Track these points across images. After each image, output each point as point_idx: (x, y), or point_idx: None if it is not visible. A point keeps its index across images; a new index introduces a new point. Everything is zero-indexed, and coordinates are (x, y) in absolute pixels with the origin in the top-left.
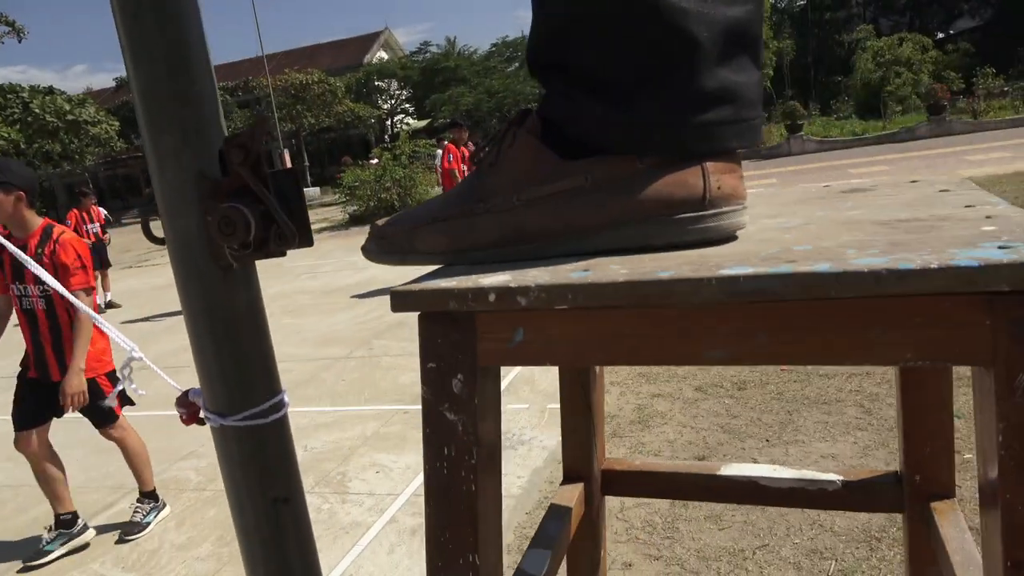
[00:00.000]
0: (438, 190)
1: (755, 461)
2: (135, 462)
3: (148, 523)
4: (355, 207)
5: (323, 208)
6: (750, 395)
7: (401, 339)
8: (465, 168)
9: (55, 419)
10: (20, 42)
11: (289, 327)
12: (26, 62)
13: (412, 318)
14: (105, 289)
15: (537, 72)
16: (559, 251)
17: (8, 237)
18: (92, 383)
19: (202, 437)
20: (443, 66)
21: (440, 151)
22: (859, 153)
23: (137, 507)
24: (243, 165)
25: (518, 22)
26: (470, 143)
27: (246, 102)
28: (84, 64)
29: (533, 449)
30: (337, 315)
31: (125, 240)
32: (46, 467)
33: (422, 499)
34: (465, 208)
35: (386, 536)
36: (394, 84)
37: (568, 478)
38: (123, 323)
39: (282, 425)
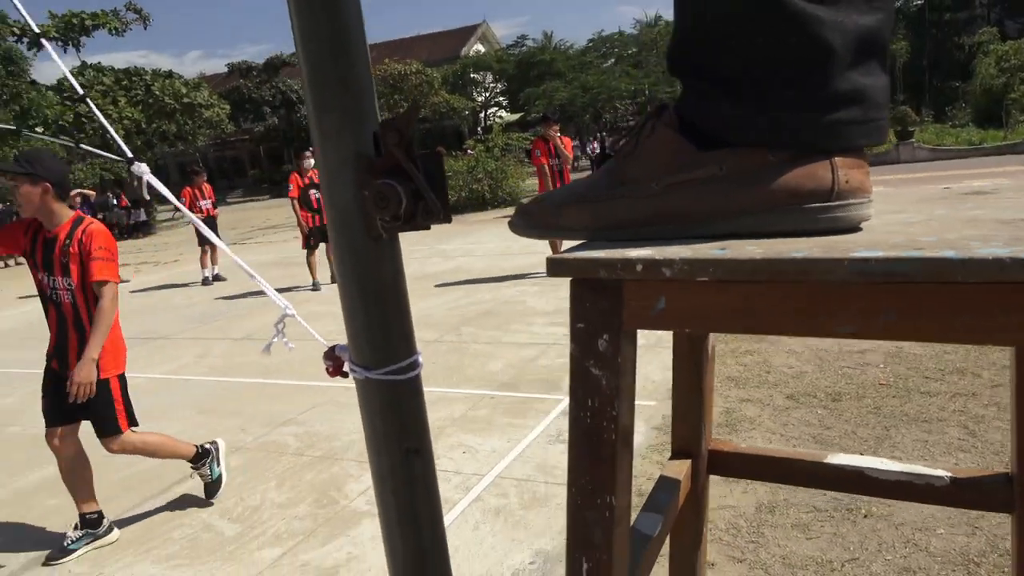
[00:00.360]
0: (530, 182)
1: None
2: (160, 456)
3: (218, 474)
4: (451, 196)
5: None
6: (845, 407)
7: (489, 327)
8: (555, 162)
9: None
10: (145, 28)
11: None
12: (148, 47)
13: (499, 307)
14: (213, 263)
15: (676, 70)
16: (692, 233)
17: (39, 228)
18: (103, 385)
19: (301, 406)
20: (538, 60)
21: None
22: (975, 164)
23: (198, 473)
24: (397, 146)
25: (617, 17)
26: (555, 134)
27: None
28: (199, 51)
29: None
30: (426, 300)
31: (231, 218)
32: (72, 467)
33: (507, 481)
34: (607, 191)
35: (471, 513)
36: (489, 77)
37: (677, 454)
38: (228, 297)
39: (416, 383)
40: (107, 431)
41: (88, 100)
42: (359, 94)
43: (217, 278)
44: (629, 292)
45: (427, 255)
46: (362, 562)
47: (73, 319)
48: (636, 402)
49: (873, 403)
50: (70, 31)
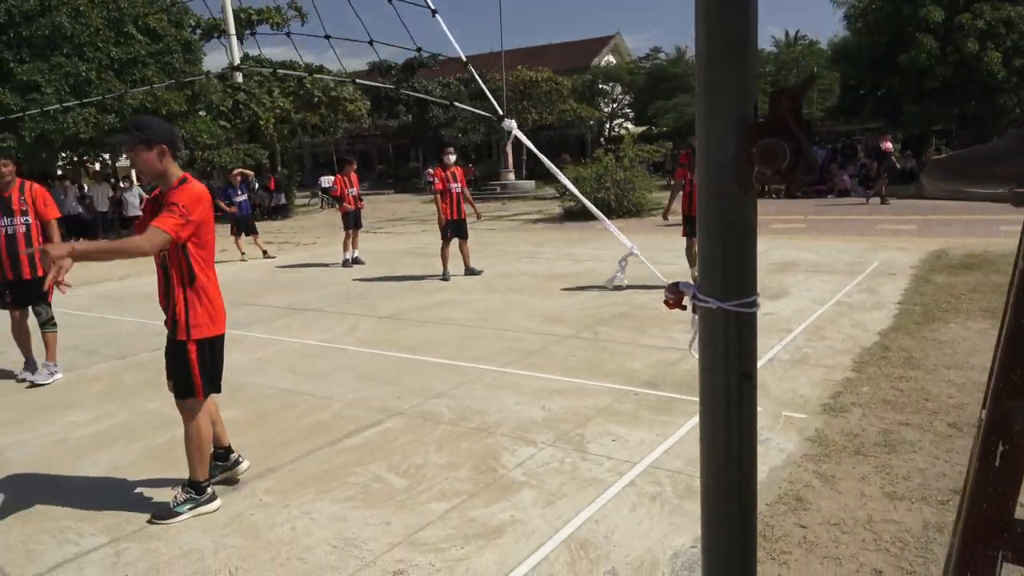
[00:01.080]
0: (656, 195)
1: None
2: (188, 447)
3: (181, 512)
4: (571, 202)
5: (537, 201)
6: None
7: (625, 328)
8: (692, 177)
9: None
10: (303, 24)
11: (516, 302)
12: (296, 41)
13: (633, 311)
14: (354, 247)
15: None
16: None
17: (154, 189)
18: (180, 347)
19: (450, 383)
20: (670, 73)
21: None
22: None
23: (178, 494)
24: (788, 111)
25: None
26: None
27: (477, 93)
28: (339, 48)
29: (770, 449)
30: (559, 299)
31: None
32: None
33: (660, 471)
34: None
35: (627, 496)
36: (618, 88)
37: None
38: (368, 279)
39: (755, 317)
40: (179, 393)
41: (480, 81)
42: (749, 73)
43: (356, 261)
44: None
45: (555, 257)
46: (525, 525)
47: (167, 277)
48: (788, 413)
49: None
50: (238, 25)
